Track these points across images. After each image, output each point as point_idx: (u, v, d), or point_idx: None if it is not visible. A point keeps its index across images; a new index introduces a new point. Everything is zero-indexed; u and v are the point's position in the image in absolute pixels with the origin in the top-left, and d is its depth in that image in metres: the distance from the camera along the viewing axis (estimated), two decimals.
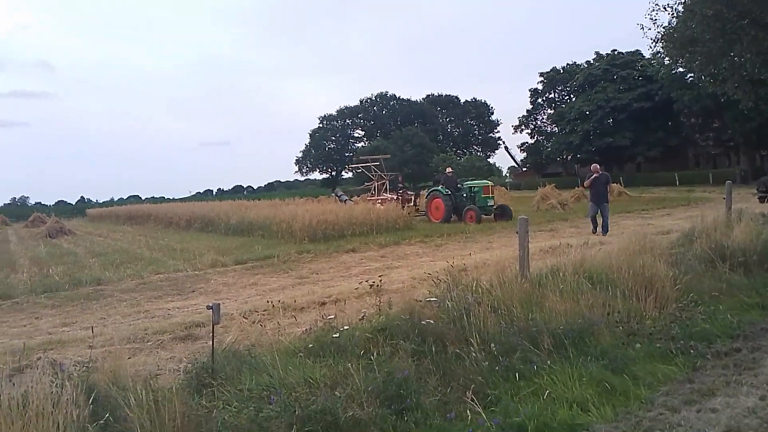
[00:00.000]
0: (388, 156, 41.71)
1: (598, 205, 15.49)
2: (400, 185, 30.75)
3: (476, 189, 22.78)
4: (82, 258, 17.41)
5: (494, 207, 22.76)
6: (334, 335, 4.93)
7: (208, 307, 4.73)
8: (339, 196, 31.20)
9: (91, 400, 3.77)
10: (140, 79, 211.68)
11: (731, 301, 6.89)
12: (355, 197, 35.38)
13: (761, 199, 22.68)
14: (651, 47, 9.90)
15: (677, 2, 9.00)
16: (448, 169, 25.52)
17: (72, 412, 3.48)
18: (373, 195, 29.57)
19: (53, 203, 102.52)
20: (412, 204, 27.04)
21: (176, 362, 5.80)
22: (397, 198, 26.84)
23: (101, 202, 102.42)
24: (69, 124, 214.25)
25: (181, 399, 3.87)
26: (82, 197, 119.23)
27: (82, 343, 6.82)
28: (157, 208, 40.44)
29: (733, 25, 8.39)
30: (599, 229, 15.31)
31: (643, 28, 9.19)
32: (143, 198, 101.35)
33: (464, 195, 22.85)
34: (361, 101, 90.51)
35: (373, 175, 30.83)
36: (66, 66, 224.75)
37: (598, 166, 16.31)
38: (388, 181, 30.00)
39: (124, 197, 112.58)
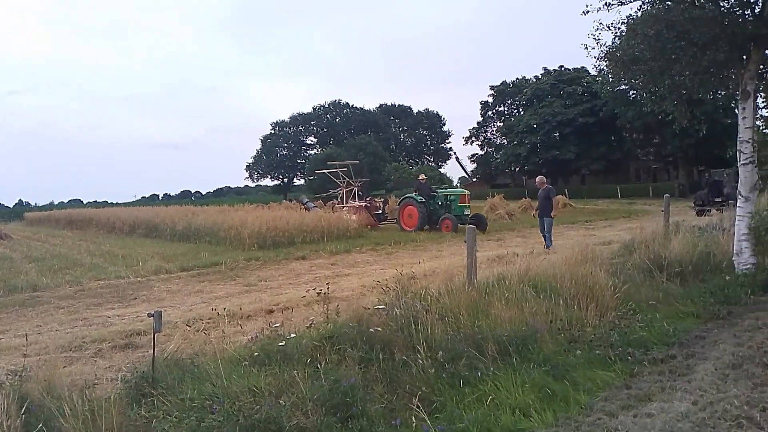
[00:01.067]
0: (357, 162, 40.41)
1: (540, 218, 15.23)
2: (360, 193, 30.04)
3: (452, 197, 22.06)
4: (18, 263, 16.64)
5: (469, 216, 21.73)
6: (281, 343, 4.86)
7: (150, 315, 4.60)
8: (305, 203, 29.83)
9: (23, 410, 3.64)
10: (92, 77, 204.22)
11: (668, 309, 7.17)
12: (319, 203, 34.23)
13: (698, 213, 23.79)
14: (595, 66, 10.26)
15: (620, 21, 9.34)
16: (422, 176, 24.74)
17: (3, 422, 3.33)
18: (339, 203, 28.56)
19: None
20: (380, 212, 26.38)
21: (115, 371, 5.61)
22: (365, 205, 25.88)
23: (40, 205, 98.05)
24: (10, 122, 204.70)
25: (118, 409, 3.75)
26: (20, 200, 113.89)
27: (16, 351, 6.53)
28: (99, 212, 39.10)
29: (673, 46, 8.76)
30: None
31: (587, 48, 9.51)
32: (85, 202, 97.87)
33: (439, 203, 22.07)
34: (314, 108, 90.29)
35: (341, 182, 29.59)
36: (10, 62, 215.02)
37: (544, 179, 15.93)
38: (356, 188, 28.93)
39: (65, 201, 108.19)
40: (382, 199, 29.88)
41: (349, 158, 69.89)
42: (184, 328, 6.74)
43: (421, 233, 20.93)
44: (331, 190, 31.98)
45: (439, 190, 23.07)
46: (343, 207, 26.42)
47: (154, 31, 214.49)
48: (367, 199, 27.93)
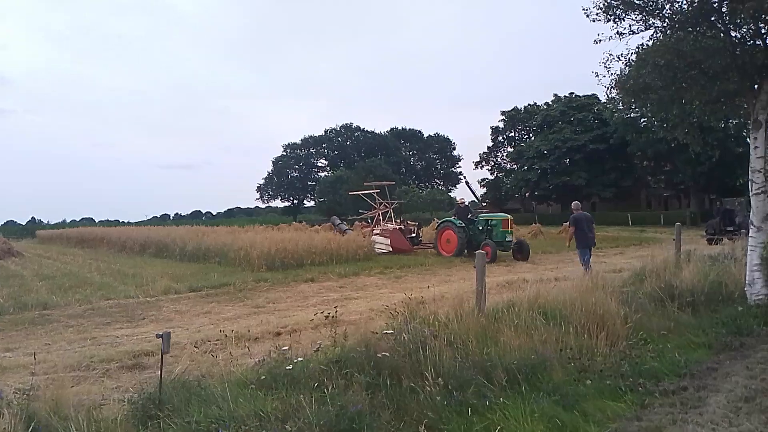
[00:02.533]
0: (393, 183, 38.14)
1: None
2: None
3: (494, 222, 20.61)
4: (29, 281, 16.75)
5: (512, 243, 20.46)
6: (288, 367, 4.84)
7: (158, 336, 4.60)
8: (337, 225, 27.83)
9: (30, 430, 3.62)
10: (105, 98, 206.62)
11: (679, 339, 7.08)
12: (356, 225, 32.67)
13: (709, 241, 23.56)
14: (606, 94, 10.31)
15: (630, 52, 9.41)
16: (460, 199, 23.45)
17: None
18: (367, 225, 27.15)
19: (1, 223, 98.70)
20: (414, 235, 24.98)
21: (122, 392, 5.59)
22: (399, 228, 24.49)
23: (53, 223, 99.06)
24: (25, 141, 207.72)
25: (125, 430, 3.74)
26: (32, 218, 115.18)
27: (24, 370, 6.53)
28: (111, 231, 39.40)
29: (684, 75, 8.80)
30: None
31: (597, 75, 9.58)
32: (97, 221, 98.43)
33: (479, 228, 20.80)
34: (325, 131, 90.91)
35: (376, 204, 27.90)
36: (27, 81, 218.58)
37: (578, 204, 14.26)
38: (390, 210, 27.34)
39: (77, 219, 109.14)
40: (416, 222, 28.07)
41: (359, 181, 70.24)
42: (191, 349, 6.75)
43: (429, 257, 20.85)
44: (361, 212, 30.56)
45: (480, 215, 21.66)
46: (376, 230, 25.28)
47: (166, 54, 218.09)
48: (401, 221, 26.57)
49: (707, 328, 7.58)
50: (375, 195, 28.16)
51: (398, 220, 26.83)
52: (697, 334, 7.33)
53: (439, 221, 23.86)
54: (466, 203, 22.75)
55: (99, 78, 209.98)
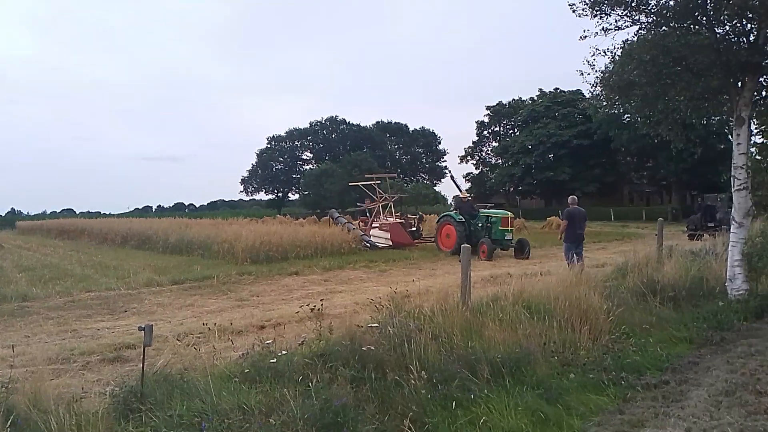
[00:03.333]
0: (394, 175, 36.19)
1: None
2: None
3: (493, 219, 19.71)
4: (9, 272, 16.51)
5: (512, 241, 19.69)
6: (272, 360, 4.80)
7: (140, 328, 4.54)
8: (335, 219, 26.24)
9: (9, 423, 3.57)
10: (89, 89, 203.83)
11: (661, 334, 7.16)
12: (348, 217, 29.93)
13: (691, 237, 23.88)
14: (590, 91, 10.33)
15: (615, 47, 9.46)
16: (464, 195, 22.28)
17: None
18: (366, 218, 25.82)
19: None
20: (415, 229, 24.35)
21: (103, 385, 5.52)
22: (400, 222, 23.68)
23: (33, 214, 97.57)
24: (6, 132, 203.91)
25: (106, 424, 3.69)
26: (12, 209, 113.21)
27: (2, 363, 6.42)
28: (92, 222, 38.95)
29: (668, 71, 8.86)
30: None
31: (582, 73, 9.60)
32: (78, 212, 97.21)
33: (479, 224, 19.96)
34: (310, 124, 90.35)
35: (376, 196, 26.51)
36: (9, 71, 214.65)
37: (575, 198, 13.86)
38: (392, 204, 26.18)
39: (58, 210, 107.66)
40: (417, 216, 27.12)
41: (345, 174, 69.98)
42: (174, 342, 6.67)
43: (414, 251, 20.86)
44: (359, 205, 28.77)
45: (481, 210, 20.81)
46: (375, 223, 24.31)
47: (150, 46, 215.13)
48: (401, 214, 25.57)
49: (688, 323, 7.67)
50: (375, 187, 26.97)
51: (398, 213, 25.79)
52: (678, 329, 7.42)
53: (440, 215, 22.79)
54: (469, 197, 21.63)
55: (82, 69, 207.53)
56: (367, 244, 22.21)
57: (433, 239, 22.63)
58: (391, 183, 29.29)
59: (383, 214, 25.42)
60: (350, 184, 34.80)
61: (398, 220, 23.97)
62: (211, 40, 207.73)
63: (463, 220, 20.11)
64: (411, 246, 22.51)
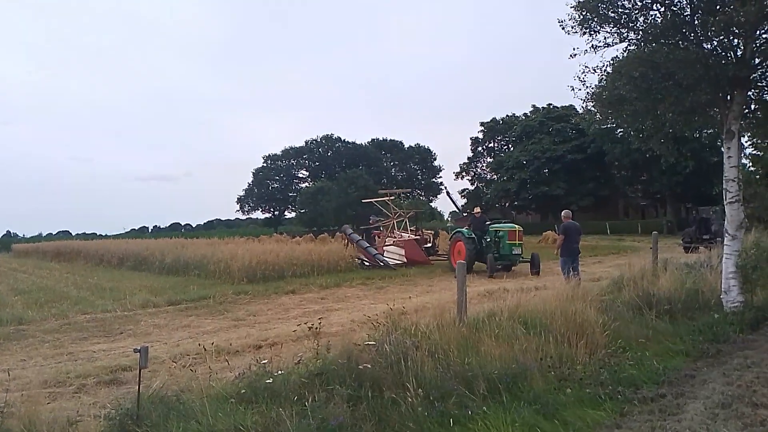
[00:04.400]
0: (408, 191, 37.62)
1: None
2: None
3: (501, 234, 18.81)
4: (4, 296, 16.45)
5: (521, 256, 18.73)
6: (268, 380, 4.80)
7: (136, 350, 4.54)
8: (349, 235, 24.86)
9: None
10: (83, 110, 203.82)
11: (657, 347, 7.16)
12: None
13: (686, 249, 23.92)
14: (582, 106, 10.45)
15: (605, 64, 9.59)
16: (476, 209, 21.41)
17: None
18: (380, 234, 25.11)
19: None
20: (430, 245, 23.63)
21: (99, 408, 5.48)
22: (415, 238, 22.86)
23: (28, 237, 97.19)
24: (1, 153, 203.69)
25: None
26: (7, 231, 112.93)
27: None
28: (88, 244, 38.81)
29: (658, 86, 8.98)
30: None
31: (573, 89, 9.73)
32: (74, 234, 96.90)
33: (488, 239, 19.09)
34: (306, 142, 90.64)
35: (389, 212, 25.75)
36: (2, 92, 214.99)
37: (570, 213, 13.94)
38: (405, 219, 25.39)
39: (53, 232, 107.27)
40: (432, 232, 26.60)
41: (340, 192, 70.12)
42: (170, 363, 6.67)
43: (412, 268, 20.77)
44: (372, 219, 27.82)
45: (492, 225, 19.68)
46: (389, 240, 23.55)
47: (145, 66, 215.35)
48: (416, 230, 24.78)
49: (684, 336, 7.68)
50: (389, 203, 26.26)
51: (412, 229, 25.02)
52: (674, 342, 7.42)
53: (452, 232, 22.02)
54: (480, 213, 20.71)
55: (77, 90, 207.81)
56: (380, 263, 21.42)
57: (446, 257, 21.63)
58: (401, 201, 28.68)
59: (398, 230, 24.72)
60: (363, 201, 33.93)
61: (413, 237, 23.03)
62: (204, 60, 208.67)
63: (473, 236, 19.29)
64: (426, 263, 21.75)
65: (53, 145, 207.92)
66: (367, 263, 21.87)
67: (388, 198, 26.99)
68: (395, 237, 23.56)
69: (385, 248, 22.92)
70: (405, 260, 21.76)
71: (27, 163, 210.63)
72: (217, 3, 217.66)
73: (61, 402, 5.83)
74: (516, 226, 19.55)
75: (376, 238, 25.24)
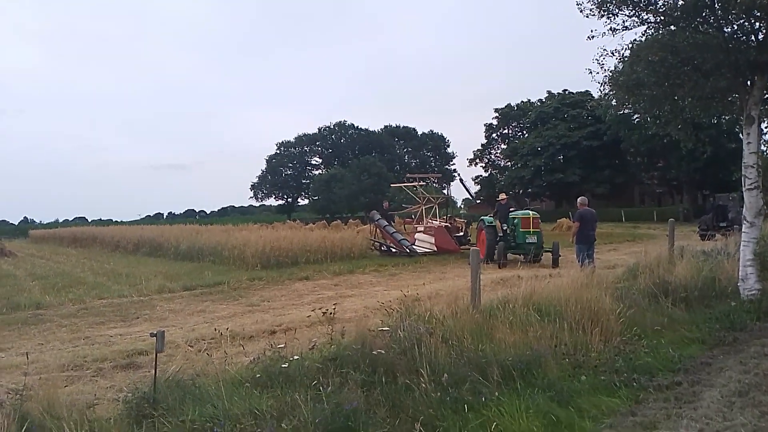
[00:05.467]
0: (439, 175, 35.27)
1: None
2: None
3: (516, 221, 17.69)
4: (22, 281, 16.68)
5: (535, 245, 17.34)
6: (283, 365, 4.82)
7: (152, 335, 4.58)
8: (377, 221, 23.22)
9: (24, 430, 3.61)
10: (95, 99, 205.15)
11: (673, 335, 7.10)
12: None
13: (702, 237, 23.70)
14: (599, 90, 10.32)
15: (624, 48, 9.45)
16: (502, 195, 19.92)
17: None
18: (411, 220, 24.19)
19: None
20: (462, 234, 22.21)
21: (116, 391, 5.57)
22: (446, 226, 21.71)
23: (45, 223, 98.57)
24: (16, 142, 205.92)
25: (119, 430, 3.73)
26: (25, 218, 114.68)
27: (17, 370, 6.49)
28: (104, 230, 39.28)
29: (677, 71, 8.82)
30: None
31: (591, 72, 9.59)
32: (90, 220, 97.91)
33: (507, 228, 17.96)
34: (319, 129, 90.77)
35: (419, 198, 24.59)
36: (16, 82, 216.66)
37: (585, 200, 13.62)
38: (436, 206, 24.30)
39: (70, 219, 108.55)
40: (464, 220, 25.16)
41: (353, 179, 70.14)
42: (186, 348, 6.72)
43: (425, 256, 20.51)
44: (386, 204, 26.71)
45: (511, 213, 18.42)
46: (420, 227, 22.75)
47: (157, 56, 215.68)
48: (447, 218, 23.51)
49: (701, 324, 7.61)
50: (419, 188, 24.84)
51: (443, 217, 23.77)
52: (690, 330, 7.36)
53: (478, 220, 21.22)
54: (506, 200, 19.29)
55: (88, 80, 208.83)
56: (407, 251, 20.78)
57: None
58: (431, 187, 27.03)
59: (428, 217, 23.81)
60: (392, 186, 32.73)
61: (443, 224, 22.01)
62: (216, 51, 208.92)
63: (493, 224, 18.39)
64: (456, 252, 20.52)
65: (67, 134, 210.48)
66: (394, 250, 21.26)
67: (417, 183, 25.59)
68: (426, 224, 22.69)
69: (416, 236, 22.32)
70: (435, 248, 20.90)
71: (42, 151, 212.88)
72: None
73: (79, 385, 5.91)
74: (531, 212, 18.20)
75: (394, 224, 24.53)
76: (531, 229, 17.34)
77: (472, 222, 26.36)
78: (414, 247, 21.27)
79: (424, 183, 25.39)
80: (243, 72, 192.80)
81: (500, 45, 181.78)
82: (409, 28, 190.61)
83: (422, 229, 22.47)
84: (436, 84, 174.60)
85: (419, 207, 24.38)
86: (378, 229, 22.86)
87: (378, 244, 22.31)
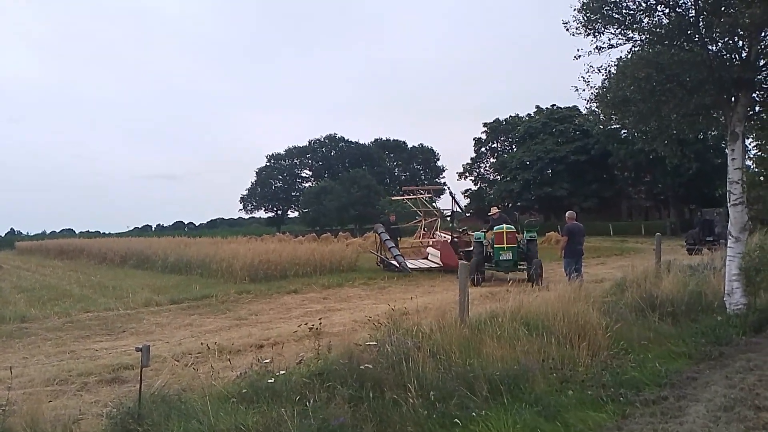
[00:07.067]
0: (443, 188, 33.11)
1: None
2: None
3: (491, 237, 16.78)
4: (7, 293, 16.49)
5: (513, 262, 16.28)
6: (270, 380, 4.80)
7: (138, 349, 4.55)
8: (380, 234, 21.85)
9: None
10: (88, 108, 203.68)
11: (660, 349, 7.14)
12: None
13: (689, 251, 23.86)
14: (586, 107, 10.46)
15: (610, 65, 9.59)
16: (493, 209, 18.86)
17: None
18: (419, 236, 23.22)
19: None
20: (471, 249, 19.84)
21: (101, 407, 5.50)
22: (452, 240, 20.17)
23: (32, 234, 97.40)
24: (5, 151, 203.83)
25: None
26: (11, 229, 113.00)
27: (0, 384, 6.39)
28: (91, 243, 38.90)
29: (662, 88, 8.96)
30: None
31: (577, 90, 9.71)
32: (77, 232, 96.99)
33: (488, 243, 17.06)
34: (309, 142, 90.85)
35: (421, 211, 23.50)
36: (8, 90, 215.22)
37: (573, 214, 13.77)
38: (439, 219, 23.32)
39: (57, 230, 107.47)
40: (473, 234, 24.49)
41: (343, 192, 70.11)
42: (172, 362, 6.66)
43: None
44: (391, 218, 25.01)
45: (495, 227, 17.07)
46: (430, 241, 21.72)
47: (149, 65, 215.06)
48: (454, 231, 21.70)
49: (687, 338, 7.66)
50: (423, 201, 23.62)
51: (448, 230, 22.44)
52: (677, 344, 7.40)
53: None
54: (497, 214, 18.10)
55: (82, 88, 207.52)
56: (398, 266, 19.50)
57: None
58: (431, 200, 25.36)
59: (433, 231, 22.67)
60: (393, 198, 31.31)
61: (448, 239, 20.62)
62: (207, 59, 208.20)
63: (481, 239, 17.19)
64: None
65: (58, 143, 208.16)
66: (395, 265, 19.87)
67: (419, 196, 24.28)
68: (433, 239, 21.56)
69: (427, 250, 21.35)
70: (441, 264, 19.61)
71: (31, 160, 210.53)
72: (222, 4, 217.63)
73: (63, 400, 5.84)
74: (505, 226, 16.60)
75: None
76: (505, 245, 16.11)
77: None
78: (408, 263, 20.09)
79: (429, 195, 24.32)
80: (235, 82, 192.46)
81: (490, 60, 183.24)
82: (399, 41, 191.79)
83: (429, 243, 21.52)
84: (426, 98, 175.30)
85: (421, 221, 23.49)
86: (380, 242, 21.98)
87: (380, 258, 21.53)
